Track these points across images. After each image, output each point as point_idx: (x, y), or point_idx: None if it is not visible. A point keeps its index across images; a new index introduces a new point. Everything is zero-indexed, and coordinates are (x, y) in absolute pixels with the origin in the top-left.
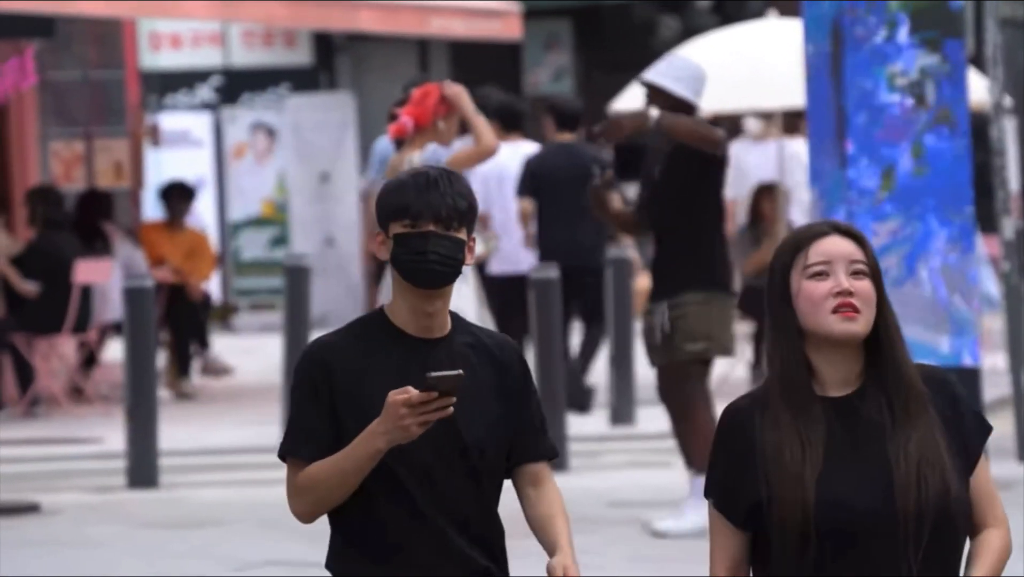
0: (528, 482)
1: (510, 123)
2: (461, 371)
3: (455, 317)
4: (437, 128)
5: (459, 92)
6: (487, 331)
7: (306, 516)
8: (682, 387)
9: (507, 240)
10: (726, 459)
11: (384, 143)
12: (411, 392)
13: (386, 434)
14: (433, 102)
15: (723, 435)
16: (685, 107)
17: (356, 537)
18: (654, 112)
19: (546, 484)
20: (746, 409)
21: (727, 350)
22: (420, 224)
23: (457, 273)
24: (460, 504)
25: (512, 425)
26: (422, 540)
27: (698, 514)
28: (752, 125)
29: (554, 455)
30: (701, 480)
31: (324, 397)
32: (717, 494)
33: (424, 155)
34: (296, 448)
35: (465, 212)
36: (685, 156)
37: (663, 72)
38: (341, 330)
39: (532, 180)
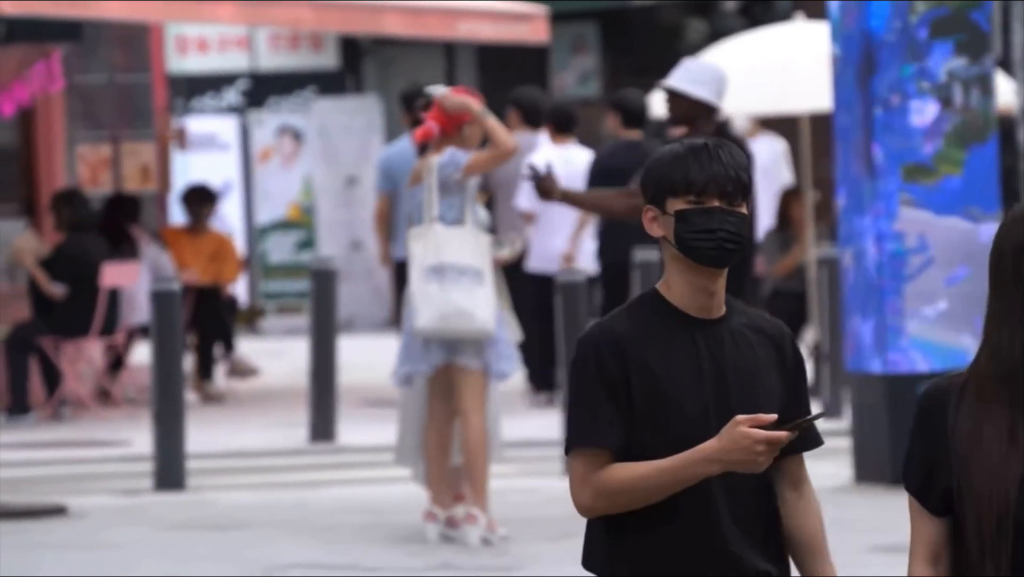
0: (788, 481)
1: (563, 126)
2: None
3: (726, 297)
4: (463, 133)
5: (462, 101)
6: (757, 312)
7: (595, 513)
8: None
9: (554, 239)
10: (922, 442)
11: (387, 153)
12: (769, 431)
13: (727, 463)
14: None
15: (920, 417)
16: (707, 110)
17: (641, 534)
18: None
19: (806, 486)
20: (945, 390)
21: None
22: (705, 199)
23: (743, 250)
24: (748, 501)
25: (791, 410)
26: (711, 539)
27: None
28: (740, 123)
29: (820, 443)
30: None
31: (617, 384)
32: (913, 479)
33: (442, 159)
34: (589, 438)
35: (748, 186)
36: None
37: (682, 77)
38: (619, 314)
39: (601, 177)
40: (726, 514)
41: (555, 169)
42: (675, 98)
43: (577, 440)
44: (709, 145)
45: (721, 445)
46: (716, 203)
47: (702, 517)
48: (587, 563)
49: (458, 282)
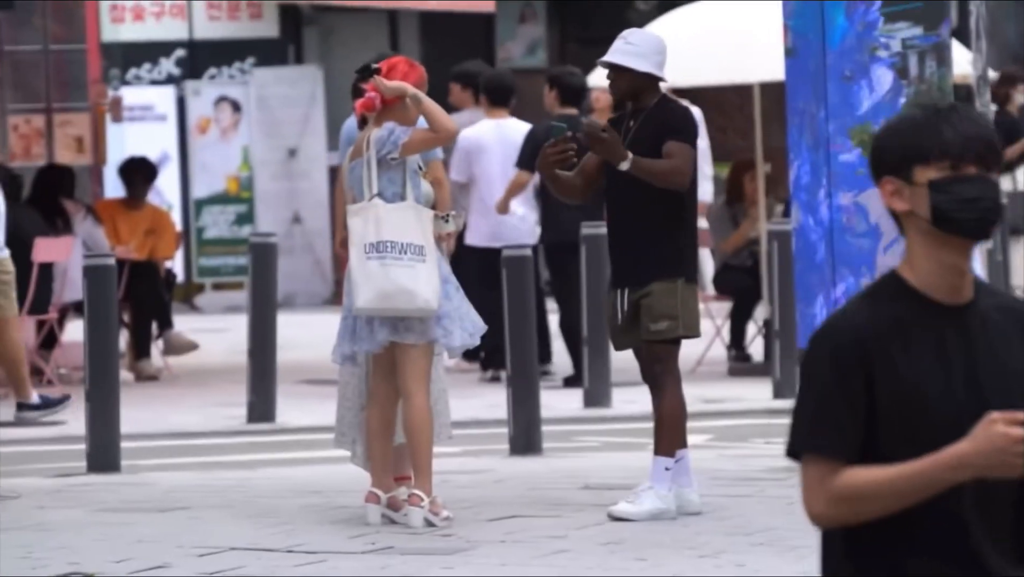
0: None
1: (498, 99)
2: None
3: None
4: (404, 104)
5: (397, 86)
6: (1000, 290)
7: (830, 522)
8: (651, 368)
9: (487, 214)
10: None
11: (351, 123)
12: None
13: (980, 467)
14: (399, 76)
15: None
16: (651, 82)
17: (884, 544)
18: (628, 161)
19: None
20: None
21: (694, 331)
22: (962, 166)
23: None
24: (1003, 508)
25: None
26: (959, 548)
27: (656, 498)
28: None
29: None
30: (661, 462)
31: (857, 386)
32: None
33: (380, 133)
34: (821, 444)
35: (1000, 151)
36: (657, 146)
37: (623, 50)
38: (857, 303)
39: (535, 154)
40: (976, 522)
41: (489, 143)
42: (618, 73)
43: (809, 446)
44: (957, 107)
45: (974, 447)
46: (973, 169)
47: (950, 525)
48: (825, 574)
49: (399, 260)
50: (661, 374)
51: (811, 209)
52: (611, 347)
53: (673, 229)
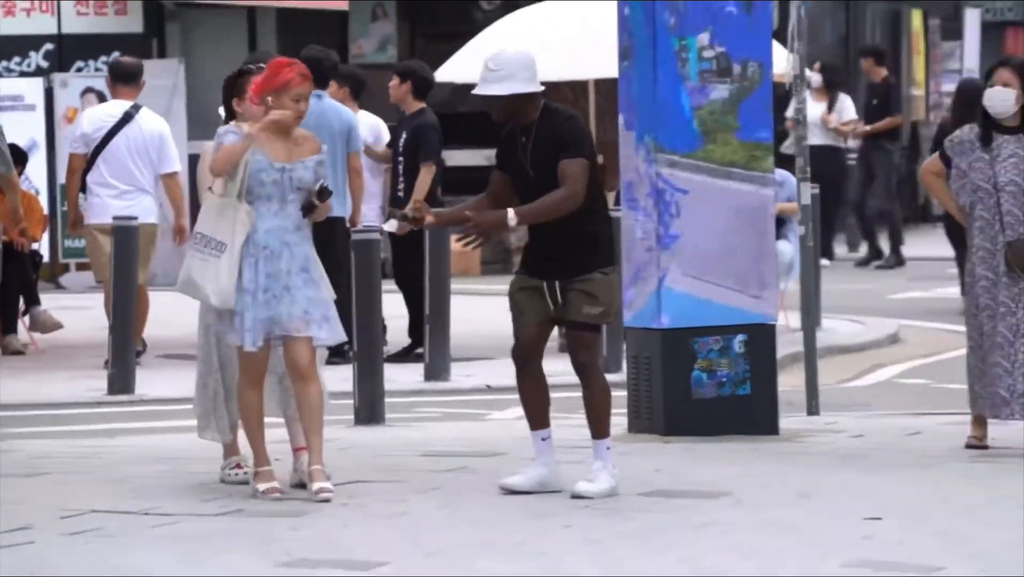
0: None
1: (357, 93)
2: None
3: None
4: (266, 102)
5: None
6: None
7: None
8: (578, 356)
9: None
10: None
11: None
12: None
13: None
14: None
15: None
16: (526, 98)
17: None
18: (511, 218)
19: None
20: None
21: (617, 319)
22: None
23: None
24: None
25: None
26: None
27: (610, 476)
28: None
29: None
30: (603, 444)
31: None
32: None
33: (219, 132)
34: None
35: None
36: (554, 153)
37: (488, 79)
38: None
39: (440, 144)
40: None
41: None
42: (490, 102)
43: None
44: None
45: None
46: None
47: None
48: None
49: (201, 252)
50: (589, 360)
51: (632, 199)
52: (450, 325)
53: (598, 221)
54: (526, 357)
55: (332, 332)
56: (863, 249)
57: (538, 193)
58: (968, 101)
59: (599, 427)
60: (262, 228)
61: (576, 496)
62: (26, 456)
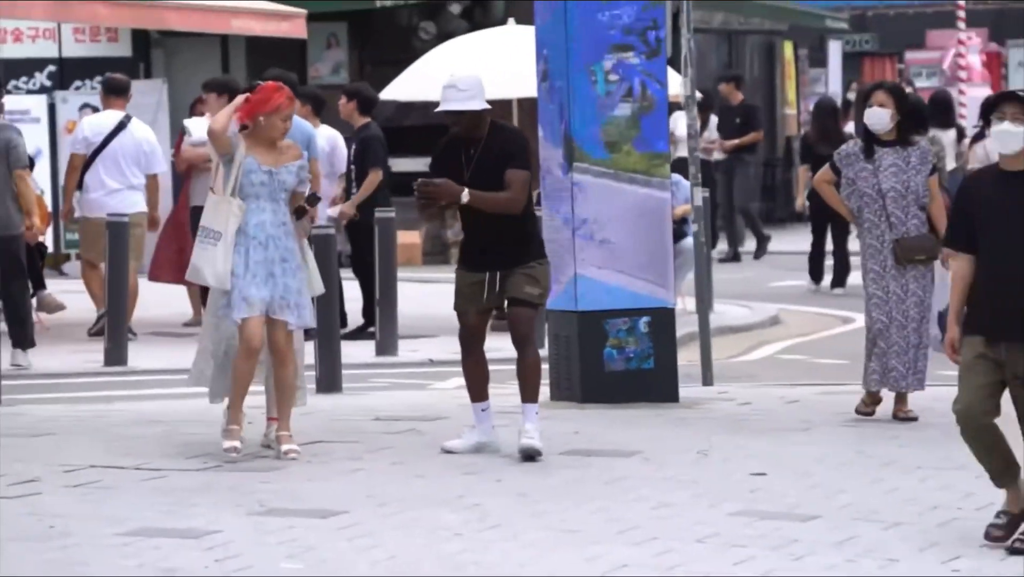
0: None
1: (318, 110)
2: None
3: None
4: (258, 121)
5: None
6: None
7: None
8: (520, 329)
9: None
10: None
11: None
12: None
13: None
14: (255, 98)
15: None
16: (483, 114)
17: None
18: (465, 195)
19: None
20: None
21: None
22: None
23: None
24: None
25: None
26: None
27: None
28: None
29: None
30: (534, 407)
31: None
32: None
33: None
34: None
35: None
36: (500, 169)
37: (459, 98)
38: None
39: (385, 152)
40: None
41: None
42: (459, 116)
43: None
44: None
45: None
46: None
47: None
48: None
49: (202, 242)
50: (528, 333)
51: (552, 202)
52: (398, 307)
53: (532, 221)
54: (471, 340)
55: (300, 318)
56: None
57: (493, 187)
58: (823, 114)
59: (531, 393)
60: (252, 221)
61: (528, 450)
62: (33, 419)
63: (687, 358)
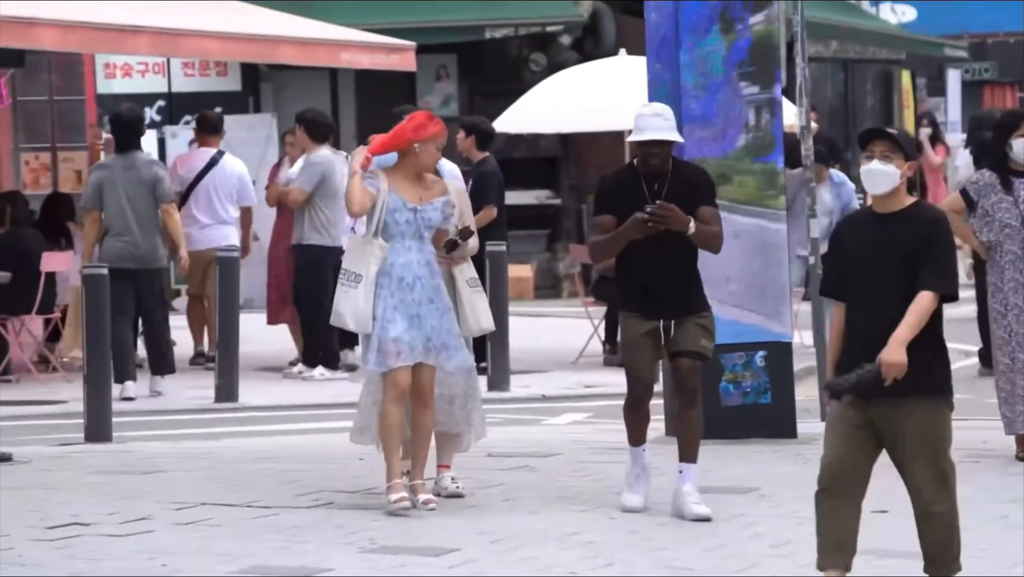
0: None
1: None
2: None
3: None
4: (413, 148)
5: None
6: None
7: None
8: (689, 381)
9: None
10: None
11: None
12: None
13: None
14: (397, 130)
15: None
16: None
17: None
18: (692, 226)
19: None
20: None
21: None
22: None
23: None
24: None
25: None
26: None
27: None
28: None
29: None
30: (694, 468)
31: None
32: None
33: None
34: None
35: None
36: (686, 205)
37: (666, 128)
38: None
39: (501, 188)
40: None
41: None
42: (663, 146)
43: None
44: None
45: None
46: None
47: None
48: None
49: (344, 285)
50: (697, 388)
51: None
52: (509, 340)
53: (697, 269)
54: (645, 393)
55: (450, 360)
56: None
57: (658, 236)
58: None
59: (692, 452)
60: (398, 262)
61: (699, 517)
62: (143, 456)
63: (804, 393)
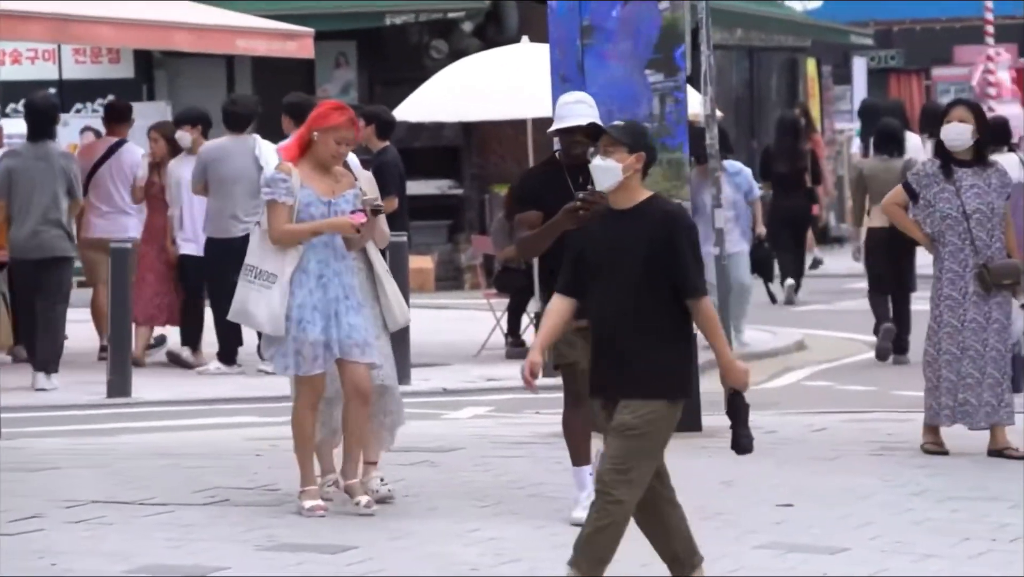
0: None
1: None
2: None
3: None
4: (312, 136)
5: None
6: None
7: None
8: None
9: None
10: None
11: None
12: None
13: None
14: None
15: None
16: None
17: None
18: None
19: None
20: None
21: None
22: None
23: None
24: None
25: None
26: None
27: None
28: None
29: None
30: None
31: None
32: None
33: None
34: None
35: None
36: None
37: (592, 115)
38: None
39: (402, 178)
40: None
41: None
42: (588, 133)
43: None
44: None
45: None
46: None
47: None
48: None
49: (251, 283)
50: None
51: None
52: (410, 333)
53: None
54: (574, 397)
55: (366, 355)
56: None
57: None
58: (783, 131)
59: (585, 450)
60: (314, 258)
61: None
62: (34, 452)
63: (710, 387)
